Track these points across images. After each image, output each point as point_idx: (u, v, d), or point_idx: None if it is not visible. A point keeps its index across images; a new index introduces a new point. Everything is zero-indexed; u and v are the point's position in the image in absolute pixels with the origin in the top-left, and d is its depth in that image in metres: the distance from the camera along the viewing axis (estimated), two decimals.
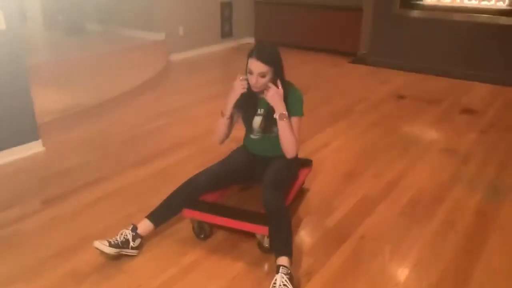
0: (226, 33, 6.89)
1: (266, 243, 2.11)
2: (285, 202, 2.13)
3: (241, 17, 7.01)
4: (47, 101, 3.73)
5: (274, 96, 2.13)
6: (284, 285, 1.78)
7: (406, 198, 2.66)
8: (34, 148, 3.26)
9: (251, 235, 2.23)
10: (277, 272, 1.84)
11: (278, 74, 2.16)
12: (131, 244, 2.09)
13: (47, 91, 4.00)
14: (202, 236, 2.26)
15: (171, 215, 2.25)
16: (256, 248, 2.17)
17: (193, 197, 2.24)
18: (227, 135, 2.38)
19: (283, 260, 1.89)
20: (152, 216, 2.19)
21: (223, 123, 2.32)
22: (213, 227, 2.29)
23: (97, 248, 2.01)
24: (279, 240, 1.98)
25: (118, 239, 2.07)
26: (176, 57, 6.10)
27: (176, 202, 2.22)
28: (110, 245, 2.03)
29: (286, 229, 2.01)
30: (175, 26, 6.05)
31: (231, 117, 2.33)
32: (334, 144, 3.43)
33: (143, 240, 2.18)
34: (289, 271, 1.85)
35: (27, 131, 3.21)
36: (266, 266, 2.07)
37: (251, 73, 2.11)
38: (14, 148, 3.15)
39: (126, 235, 2.09)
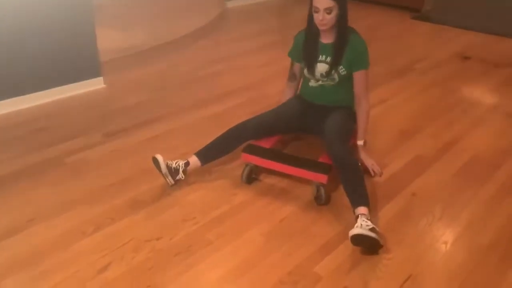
0: None
1: (322, 192, 2.14)
2: (353, 154, 2.14)
3: None
4: (108, 41, 3.83)
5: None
6: (367, 225, 1.83)
7: (462, 160, 2.58)
8: (96, 84, 3.40)
9: (300, 182, 2.27)
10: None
11: (343, 12, 2.12)
12: (179, 176, 2.21)
13: (108, 30, 4.10)
14: (248, 181, 2.31)
15: (217, 156, 2.35)
16: (306, 195, 2.22)
17: (240, 142, 2.31)
18: (295, 93, 2.52)
19: (362, 210, 1.93)
20: (200, 154, 2.28)
21: (290, 86, 2.47)
22: (263, 172, 2.34)
23: (156, 159, 2.18)
24: (355, 191, 2.00)
25: (173, 165, 2.20)
26: (233, 4, 6.01)
27: (222, 145, 2.31)
28: (166, 165, 2.19)
29: (361, 180, 2.03)
30: None
31: (296, 76, 2.44)
32: (391, 101, 3.34)
33: (194, 176, 2.31)
34: (368, 218, 1.88)
35: (90, 67, 3.35)
36: (314, 213, 2.11)
37: (317, 11, 2.10)
38: (77, 83, 3.31)
39: (179, 166, 2.21)
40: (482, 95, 3.60)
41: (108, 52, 3.62)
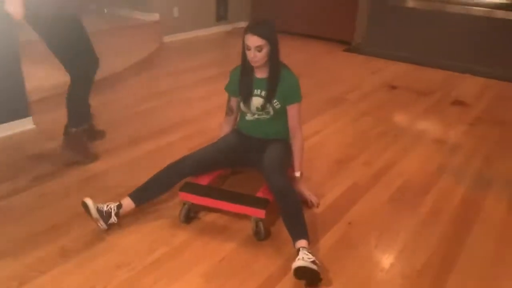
0: (221, 16, 6.82)
1: (261, 227, 2.13)
2: (292, 185, 2.17)
3: (237, 0, 6.94)
4: (38, 79, 3.68)
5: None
6: (309, 258, 1.84)
7: (394, 186, 2.69)
8: (25, 125, 3.23)
9: (240, 217, 2.26)
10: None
11: (274, 48, 2.19)
12: (111, 219, 2.12)
13: (38, 68, 3.94)
14: (187, 221, 2.26)
15: (152, 196, 2.28)
16: (245, 231, 2.20)
17: (175, 180, 2.27)
18: (233, 127, 2.52)
19: (302, 243, 1.94)
20: (134, 195, 2.21)
21: (227, 120, 2.48)
22: (202, 210, 2.31)
23: (86, 204, 2.08)
24: (295, 224, 2.02)
25: (104, 208, 2.12)
26: (170, 38, 6.04)
27: (158, 184, 2.26)
28: (97, 209, 2.09)
29: (300, 212, 2.05)
30: (170, 7, 5.97)
31: (233, 110, 2.45)
32: (325, 131, 3.46)
33: (128, 218, 2.23)
34: (309, 251, 1.89)
35: (18, 107, 3.18)
36: (255, 249, 2.10)
37: (248, 48, 2.15)
38: (4, 125, 3.12)
39: (111, 209, 2.12)
40: (409, 122, 3.82)
41: (38, 90, 3.47)
